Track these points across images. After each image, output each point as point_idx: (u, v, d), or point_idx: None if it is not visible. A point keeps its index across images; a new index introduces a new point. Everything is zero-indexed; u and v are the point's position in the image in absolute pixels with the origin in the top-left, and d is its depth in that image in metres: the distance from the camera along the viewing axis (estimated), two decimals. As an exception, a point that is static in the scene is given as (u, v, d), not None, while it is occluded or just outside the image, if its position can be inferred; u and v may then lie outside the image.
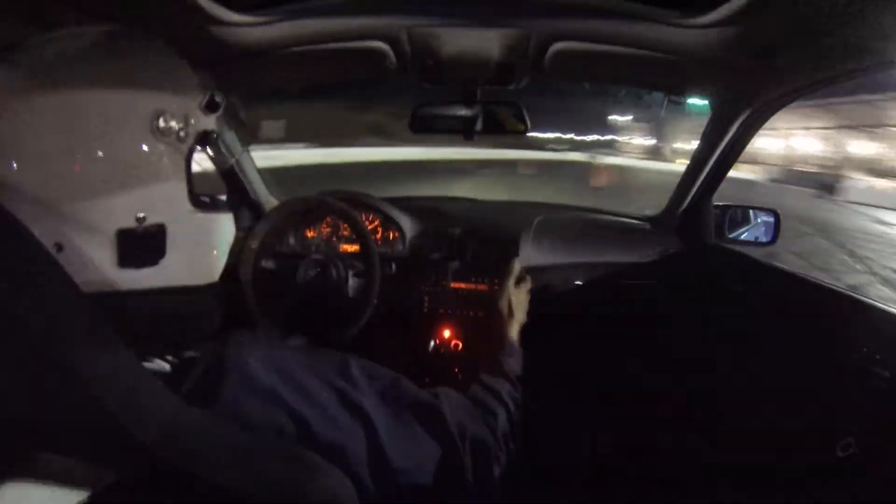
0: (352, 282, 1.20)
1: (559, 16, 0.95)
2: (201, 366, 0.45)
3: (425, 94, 1.36)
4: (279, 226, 1.36)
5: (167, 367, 0.46)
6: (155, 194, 0.47)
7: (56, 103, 0.41)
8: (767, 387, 1.31)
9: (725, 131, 1.34)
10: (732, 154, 1.41)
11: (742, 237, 1.50)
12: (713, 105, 1.35)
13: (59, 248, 0.42)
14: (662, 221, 1.65)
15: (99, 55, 0.46)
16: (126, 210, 0.45)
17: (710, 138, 1.40)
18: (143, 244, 0.46)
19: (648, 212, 1.75)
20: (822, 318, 1.10)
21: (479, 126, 1.33)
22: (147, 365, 0.45)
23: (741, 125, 1.30)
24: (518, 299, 1.01)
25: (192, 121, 0.50)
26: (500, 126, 1.33)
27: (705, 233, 1.54)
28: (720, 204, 1.53)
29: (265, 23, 0.98)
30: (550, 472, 1.35)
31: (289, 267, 1.17)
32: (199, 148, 0.53)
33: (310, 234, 1.48)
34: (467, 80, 1.26)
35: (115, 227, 0.44)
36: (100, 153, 0.42)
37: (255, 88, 1.34)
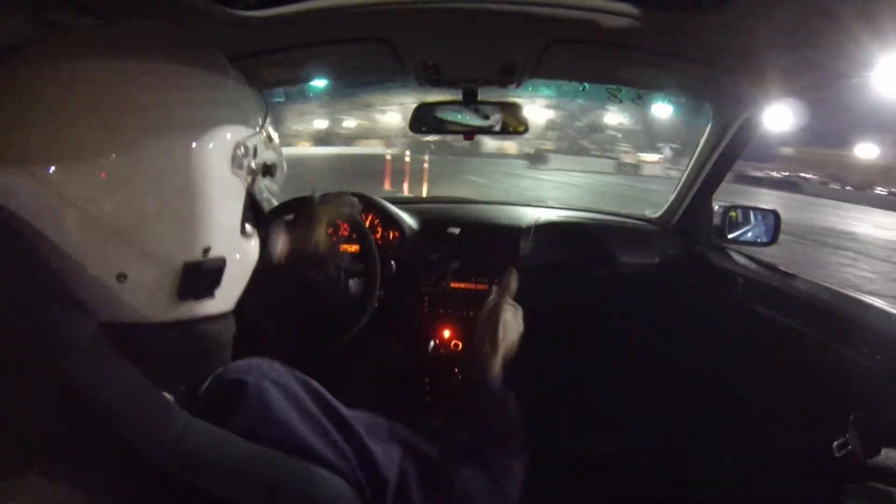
0: (352, 282, 1.20)
1: (559, 16, 0.95)
2: (214, 389, 0.45)
3: (425, 94, 1.36)
4: (279, 226, 1.36)
5: (181, 387, 0.46)
6: (220, 226, 0.45)
7: (143, 126, 0.39)
8: (767, 386, 1.31)
9: (726, 131, 1.34)
10: (732, 154, 1.41)
11: (742, 237, 1.50)
12: (713, 105, 1.35)
13: (123, 277, 0.40)
14: (662, 221, 1.66)
15: (191, 75, 0.44)
16: (195, 242, 0.43)
17: (710, 138, 1.40)
18: (205, 277, 0.45)
19: (649, 212, 1.75)
20: (822, 317, 1.10)
21: (479, 126, 1.33)
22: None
23: (741, 125, 1.30)
24: (508, 323, 0.76)
25: (259, 152, 0.49)
26: (501, 126, 1.33)
27: (705, 233, 1.55)
28: (720, 204, 1.53)
29: (264, 23, 0.98)
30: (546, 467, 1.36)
31: (288, 267, 1.17)
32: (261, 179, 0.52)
33: (309, 233, 1.48)
34: (467, 80, 1.27)
35: (182, 259, 0.42)
36: (180, 183, 0.41)
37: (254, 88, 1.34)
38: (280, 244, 1.26)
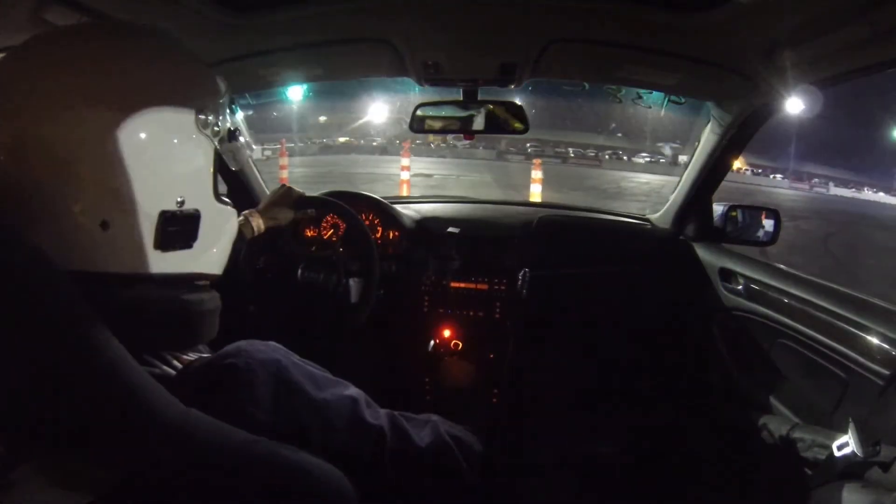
0: (352, 282, 1.20)
1: (559, 16, 0.95)
2: (208, 372, 0.46)
3: (425, 94, 1.36)
4: (279, 225, 1.36)
5: (172, 371, 0.47)
6: (191, 182, 0.51)
7: (114, 86, 0.45)
8: (767, 385, 1.31)
9: (726, 131, 1.34)
10: (732, 154, 1.41)
11: (742, 237, 1.50)
12: (713, 105, 1.35)
13: (105, 225, 0.44)
14: (662, 221, 1.66)
15: (153, 46, 0.51)
16: (169, 192, 0.48)
17: (710, 138, 1.40)
18: (181, 227, 0.50)
19: (649, 211, 1.75)
20: (822, 316, 1.10)
21: (479, 126, 1.33)
22: (151, 369, 0.45)
23: (741, 125, 1.30)
24: None
25: (222, 118, 0.55)
26: (501, 126, 1.33)
27: (705, 232, 1.55)
28: (720, 203, 1.53)
29: (264, 24, 0.98)
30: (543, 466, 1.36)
31: (288, 267, 1.17)
32: (226, 143, 0.58)
33: (310, 233, 1.48)
34: (467, 80, 1.26)
35: (159, 208, 0.47)
36: (150, 136, 0.46)
37: (254, 88, 1.34)
38: (280, 243, 1.26)
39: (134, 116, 0.45)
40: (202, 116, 0.51)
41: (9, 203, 0.42)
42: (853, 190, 24.84)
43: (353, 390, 0.54)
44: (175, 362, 0.48)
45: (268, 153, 11.58)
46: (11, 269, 0.36)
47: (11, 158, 0.43)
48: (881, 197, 23.37)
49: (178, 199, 0.49)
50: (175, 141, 0.49)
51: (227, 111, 0.57)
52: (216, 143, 0.54)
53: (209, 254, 0.55)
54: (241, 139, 0.61)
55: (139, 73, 0.47)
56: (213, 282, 0.57)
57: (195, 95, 0.51)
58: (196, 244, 0.51)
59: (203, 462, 0.39)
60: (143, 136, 0.46)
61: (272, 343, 0.50)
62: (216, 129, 0.54)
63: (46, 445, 0.37)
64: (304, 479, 0.43)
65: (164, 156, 0.48)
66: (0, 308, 0.35)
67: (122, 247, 0.46)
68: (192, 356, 0.50)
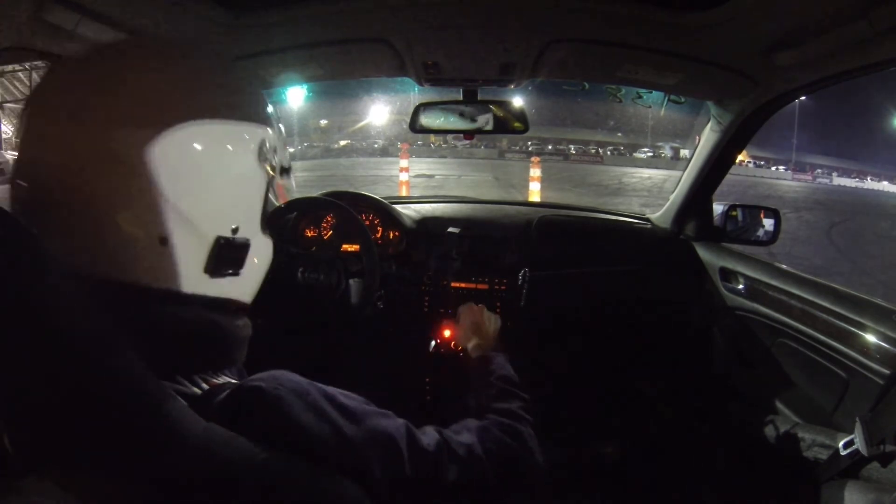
0: (352, 282, 1.20)
1: (558, 16, 0.95)
2: (234, 393, 0.46)
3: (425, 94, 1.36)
4: (280, 225, 1.36)
5: (198, 391, 0.47)
6: (246, 212, 0.52)
7: (188, 110, 0.46)
8: (768, 384, 1.31)
9: (726, 131, 1.34)
10: (732, 153, 1.41)
11: (742, 236, 1.50)
12: (713, 104, 1.35)
13: (164, 241, 0.45)
14: (662, 220, 1.65)
15: (229, 72, 0.54)
16: (227, 219, 0.50)
17: (710, 138, 1.40)
18: (233, 254, 0.51)
19: (649, 211, 1.75)
20: (822, 316, 1.10)
21: (479, 126, 1.33)
22: (177, 387, 0.45)
23: (741, 124, 1.30)
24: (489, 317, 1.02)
25: (280, 152, 0.57)
26: (501, 125, 1.33)
27: (705, 232, 1.54)
28: (720, 203, 1.53)
29: (265, 24, 0.98)
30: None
31: (289, 267, 1.17)
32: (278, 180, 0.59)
33: (310, 233, 1.48)
34: (467, 80, 1.26)
35: (216, 233, 0.49)
36: (216, 160, 0.48)
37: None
38: (281, 243, 1.26)
39: (203, 138, 0.47)
40: (264, 148, 0.53)
41: (49, 215, 0.43)
42: (856, 179, 24.78)
43: (392, 423, 0.51)
44: (203, 384, 0.48)
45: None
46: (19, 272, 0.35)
47: (67, 173, 0.43)
48: (885, 186, 23.29)
49: (233, 227, 0.50)
50: (238, 169, 0.50)
51: (284, 148, 0.59)
52: (269, 177, 0.55)
53: (249, 281, 0.56)
54: (292, 178, 0.62)
55: (214, 97, 0.49)
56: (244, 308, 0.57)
57: (260, 125, 0.53)
58: (242, 272, 0.53)
59: (223, 479, 0.39)
60: (209, 159, 0.47)
61: (316, 383, 0.49)
62: (273, 163, 0.55)
63: (60, 456, 0.37)
64: (322, 500, 0.43)
65: (226, 182, 0.49)
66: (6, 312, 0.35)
67: (175, 265, 0.46)
68: (220, 380, 0.50)
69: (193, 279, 0.48)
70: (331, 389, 0.50)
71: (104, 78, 0.45)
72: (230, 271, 0.51)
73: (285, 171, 0.59)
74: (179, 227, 0.46)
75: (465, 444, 0.56)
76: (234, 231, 0.50)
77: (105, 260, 0.44)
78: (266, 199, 0.56)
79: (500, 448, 0.59)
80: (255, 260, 0.55)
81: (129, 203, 0.43)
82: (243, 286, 0.54)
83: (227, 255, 0.50)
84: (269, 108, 0.57)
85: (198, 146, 0.46)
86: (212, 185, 0.47)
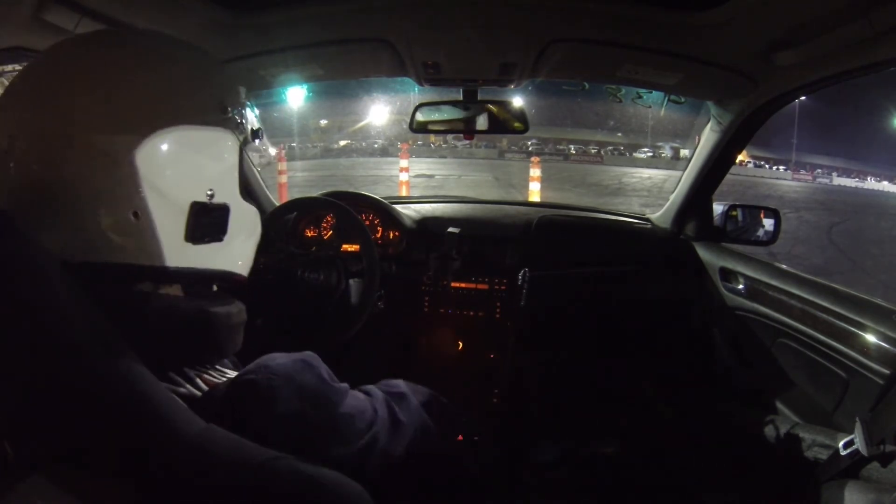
0: (352, 282, 1.20)
1: (559, 16, 0.95)
2: (229, 390, 0.46)
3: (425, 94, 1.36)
4: (280, 225, 1.36)
5: (197, 392, 0.47)
6: (220, 176, 0.52)
7: (143, 80, 0.47)
8: (768, 384, 1.31)
9: (726, 131, 1.34)
10: (732, 153, 1.41)
11: (742, 236, 1.50)
12: (713, 105, 1.35)
13: (136, 215, 0.45)
14: (662, 220, 1.65)
15: (175, 49, 0.54)
16: (199, 183, 0.49)
17: (710, 138, 1.40)
18: (211, 218, 0.50)
19: (649, 211, 1.75)
20: (822, 316, 1.10)
21: (479, 125, 1.33)
22: (175, 388, 0.45)
23: (741, 124, 1.30)
24: None
25: (245, 115, 0.56)
26: (501, 125, 1.33)
27: (705, 232, 1.54)
28: (720, 203, 1.53)
29: (264, 24, 0.98)
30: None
31: (289, 267, 1.17)
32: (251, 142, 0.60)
33: (310, 233, 1.48)
34: (467, 79, 1.26)
35: (189, 199, 0.48)
36: (179, 128, 0.48)
37: (254, 89, 1.34)
38: (281, 243, 1.26)
39: (162, 111, 0.47)
40: (224, 111, 0.53)
41: (29, 199, 0.43)
42: (857, 179, 24.77)
43: (380, 401, 0.55)
44: (201, 383, 0.48)
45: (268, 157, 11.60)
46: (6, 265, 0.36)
47: (37, 157, 0.44)
48: (885, 186, 23.29)
49: (208, 192, 0.50)
50: (202, 134, 0.50)
51: (249, 110, 0.59)
52: (241, 141, 0.56)
53: (237, 250, 0.55)
54: (265, 139, 0.63)
55: (166, 73, 0.49)
56: (237, 290, 0.57)
57: (216, 89, 0.54)
58: (225, 238, 0.52)
59: (222, 479, 0.39)
60: (172, 128, 0.47)
61: (303, 357, 0.49)
62: (240, 124, 0.55)
63: (59, 457, 0.37)
64: (324, 495, 0.42)
65: (193, 147, 0.49)
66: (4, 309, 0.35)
67: (152, 237, 0.46)
68: (217, 378, 0.50)
69: (176, 250, 0.47)
70: (324, 371, 0.51)
71: (66, 64, 0.47)
72: (212, 237, 0.51)
73: (255, 133, 0.60)
74: (152, 199, 0.45)
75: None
76: (210, 196, 0.50)
77: (82, 243, 0.44)
78: (241, 163, 0.56)
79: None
80: (240, 226, 0.55)
81: (95, 184, 0.44)
82: (232, 255, 0.54)
83: (205, 221, 0.49)
84: (231, 75, 0.57)
85: (160, 117, 0.46)
86: (178, 152, 0.47)
